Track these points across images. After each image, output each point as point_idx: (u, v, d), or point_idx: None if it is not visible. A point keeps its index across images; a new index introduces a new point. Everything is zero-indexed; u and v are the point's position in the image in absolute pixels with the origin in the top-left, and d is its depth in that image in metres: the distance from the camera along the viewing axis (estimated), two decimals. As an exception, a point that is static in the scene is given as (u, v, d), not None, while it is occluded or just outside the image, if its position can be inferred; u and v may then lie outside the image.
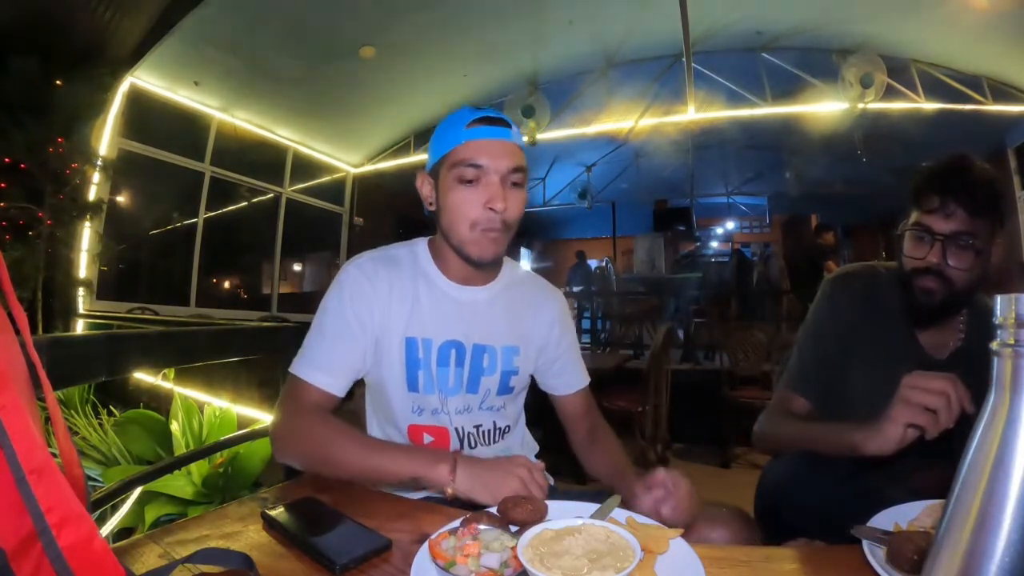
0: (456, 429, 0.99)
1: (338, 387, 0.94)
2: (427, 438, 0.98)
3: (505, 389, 1.03)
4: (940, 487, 0.88)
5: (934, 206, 0.96)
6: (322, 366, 0.93)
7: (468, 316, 1.00)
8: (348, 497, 0.79)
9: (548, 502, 0.69)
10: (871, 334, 1.08)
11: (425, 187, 0.99)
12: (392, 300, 0.96)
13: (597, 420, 1.13)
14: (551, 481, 1.12)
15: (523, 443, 1.11)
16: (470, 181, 0.91)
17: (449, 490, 0.77)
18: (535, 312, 1.08)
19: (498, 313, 1.03)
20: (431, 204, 0.99)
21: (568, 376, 1.12)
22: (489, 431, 1.03)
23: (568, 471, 1.09)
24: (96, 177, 4.24)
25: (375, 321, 0.95)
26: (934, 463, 0.93)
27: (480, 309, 1.01)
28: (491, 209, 0.91)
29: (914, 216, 1.00)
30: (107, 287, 4.63)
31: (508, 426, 1.07)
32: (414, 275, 0.99)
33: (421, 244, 1.04)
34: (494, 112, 0.95)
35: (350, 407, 1.05)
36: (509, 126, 0.95)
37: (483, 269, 1.00)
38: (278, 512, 0.70)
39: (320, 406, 0.92)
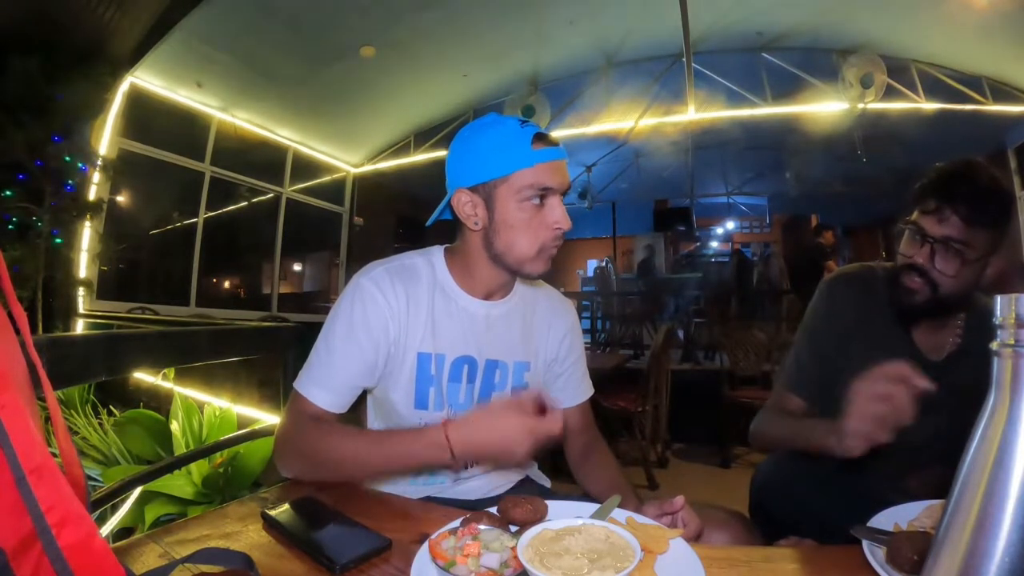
0: None
1: (341, 405, 0.92)
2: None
3: None
4: (927, 484, 0.88)
5: (931, 208, 0.96)
6: (327, 386, 0.91)
7: (482, 331, 0.98)
8: (348, 497, 0.79)
9: (548, 502, 0.69)
10: (868, 335, 1.08)
11: (467, 206, 0.93)
12: (409, 315, 0.93)
13: (593, 436, 1.11)
14: (547, 483, 1.12)
15: None
16: (538, 205, 0.90)
17: (452, 464, 0.79)
18: (548, 326, 1.06)
19: (512, 328, 1.01)
20: (476, 223, 0.93)
21: (571, 389, 1.11)
22: None
23: (568, 471, 1.09)
24: (96, 177, 4.24)
25: (389, 338, 0.92)
26: (922, 462, 0.94)
27: (494, 324, 0.99)
28: (557, 228, 0.90)
29: (914, 214, 1.00)
30: (107, 287, 4.63)
31: None
32: (431, 288, 0.96)
33: (437, 254, 1.00)
34: (535, 125, 0.92)
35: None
36: (560, 143, 0.93)
37: (507, 286, 1.01)
38: (278, 512, 0.70)
39: (321, 420, 0.90)
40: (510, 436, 0.76)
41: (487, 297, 0.99)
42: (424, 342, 0.93)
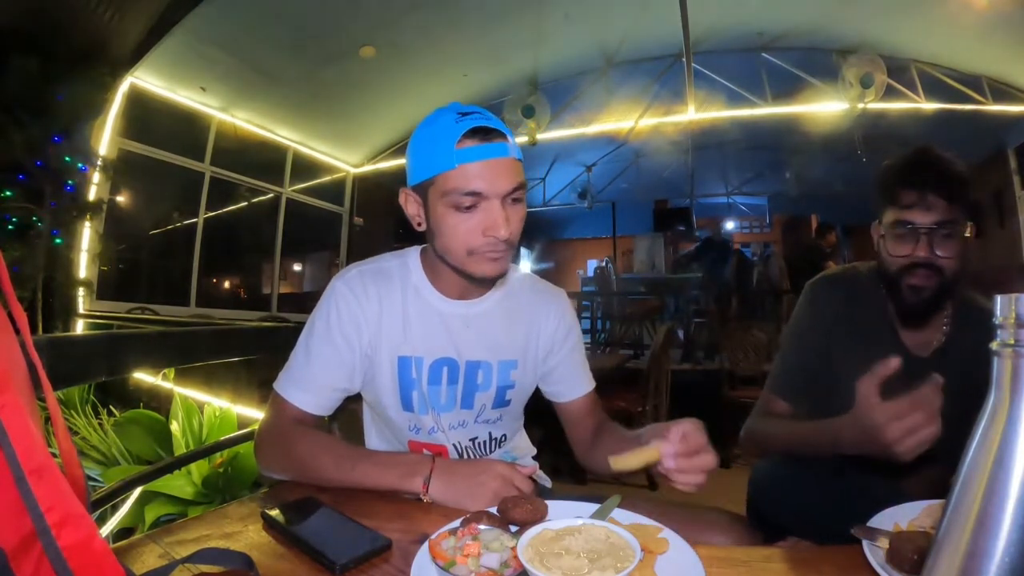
0: (454, 445, 0.97)
1: (322, 407, 0.92)
2: (427, 452, 0.96)
3: (501, 403, 1.00)
4: (926, 486, 0.88)
5: (913, 200, 0.97)
6: (306, 387, 0.90)
7: (461, 332, 0.95)
8: (348, 497, 0.79)
9: (548, 502, 0.69)
10: (855, 334, 1.08)
11: (411, 205, 0.90)
12: (383, 318, 0.91)
13: (603, 419, 1.06)
14: (548, 483, 1.11)
15: (517, 447, 1.10)
16: (467, 208, 0.82)
17: (425, 499, 0.77)
18: (536, 321, 1.02)
19: (495, 326, 0.97)
20: (420, 225, 0.90)
21: (570, 382, 1.06)
22: (485, 442, 1.01)
23: (568, 471, 1.09)
24: (96, 177, 4.24)
25: (364, 340, 0.91)
26: (920, 463, 0.94)
27: (475, 324, 0.96)
28: (491, 236, 0.83)
29: (891, 214, 1.01)
30: (107, 287, 4.62)
31: (504, 435, 1.04)
32: (404, 290, 0.94)
33: (413, 255, 0.98)
34: (484, 119, 0.83)
35: (350, 407, 1.05)
36: (505, 138, 0.83)
37: (486, 285, 0.94)
38: (278, 512, 0.70)
39: (302, 423, 0.90)
40: (486, 497, 0.74)
41: (462, 296, 0.95)
42: (402, 345, 0.92)
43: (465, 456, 0.98)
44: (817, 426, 0.95)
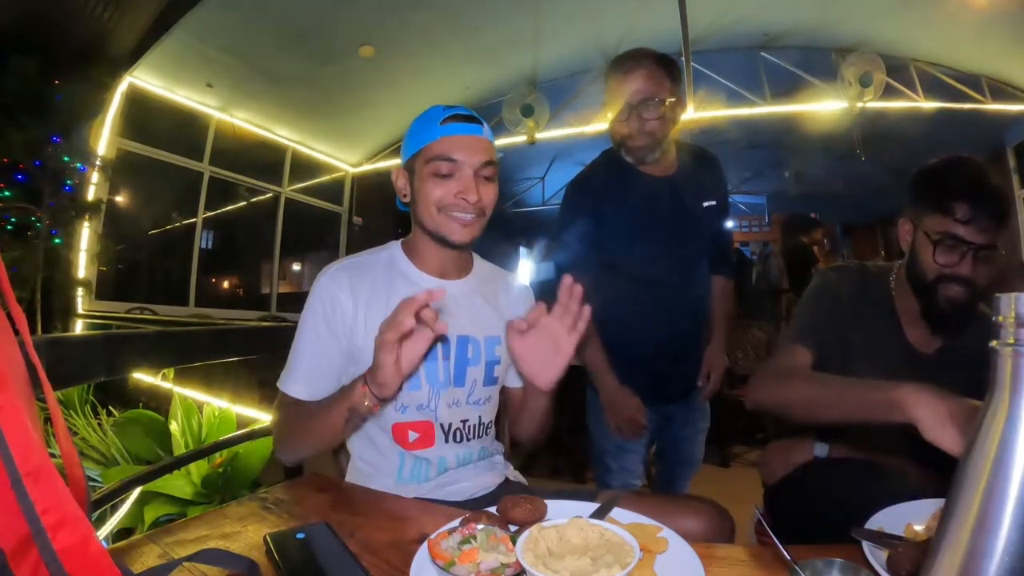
0: (442, 424, 1.00)
1: (316, 395, 0.98)
2: (412, 435, 0.99)
3: (490, 380, 1.05)
4: (925, 479, 0.85)
5: (968, 217, 0.95)
6: (303, 380, 0.98)
7: (449, 308, 1.02)
8: (346, 499, 0.79)
9: (548, 502, 0.69)
10: (862, 328, 1.08)
11: (400, 180, 1.04)
12: (364, 306, 0.98)
13: None
14: (523, 481, 1.11)
15: (492, 442, 1.11)
16: (445, 175, 0.96)
17: (367, 403, 0.83)
18: (510, 305, 1.12)
19: (477, 305, 1.06)
20: (406, 197, 1.04)
21: None
22: (475, 426, 1.04)
23: (568, 471, 1.09)
24: (95, 177, 4.23)
25: (348, 328, 0.97)
26: (919, 455, 0.92)
27: (459, 301, 1.04)
28: (461, 199, 0.96)
29: (940, 223, 0.98)
30: (106, 287, 4.62)
31: (490, 422, 1.09)
32: (390, 275, 1.02)
33: (395, 246, 1.08)
34: (465, 110, 1.00)
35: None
36: (480, 123, 1.00)
37: (459, 250, 1.03)
38: (280, 539, 0.64)
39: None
40: (379, 358, 0.80)
41: (444, 275, 1.05)
42: None
43: (452, 437, 1.01)
44: (864, 384, 0.87)
